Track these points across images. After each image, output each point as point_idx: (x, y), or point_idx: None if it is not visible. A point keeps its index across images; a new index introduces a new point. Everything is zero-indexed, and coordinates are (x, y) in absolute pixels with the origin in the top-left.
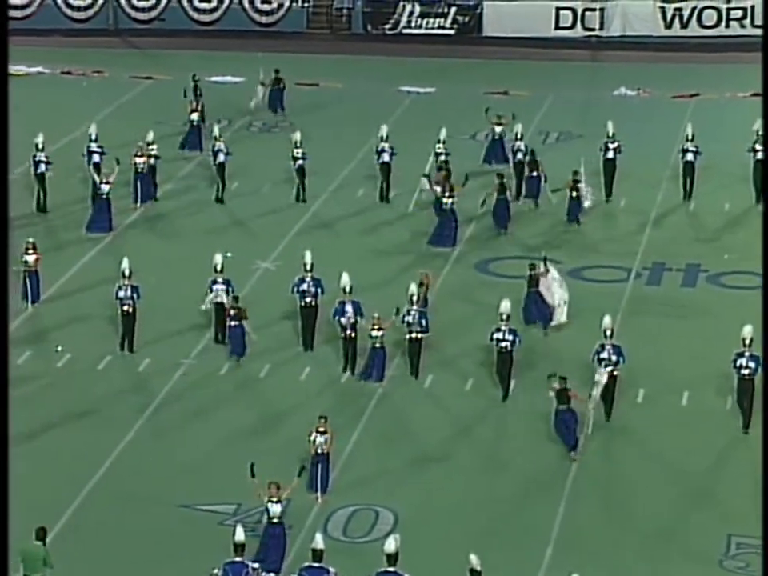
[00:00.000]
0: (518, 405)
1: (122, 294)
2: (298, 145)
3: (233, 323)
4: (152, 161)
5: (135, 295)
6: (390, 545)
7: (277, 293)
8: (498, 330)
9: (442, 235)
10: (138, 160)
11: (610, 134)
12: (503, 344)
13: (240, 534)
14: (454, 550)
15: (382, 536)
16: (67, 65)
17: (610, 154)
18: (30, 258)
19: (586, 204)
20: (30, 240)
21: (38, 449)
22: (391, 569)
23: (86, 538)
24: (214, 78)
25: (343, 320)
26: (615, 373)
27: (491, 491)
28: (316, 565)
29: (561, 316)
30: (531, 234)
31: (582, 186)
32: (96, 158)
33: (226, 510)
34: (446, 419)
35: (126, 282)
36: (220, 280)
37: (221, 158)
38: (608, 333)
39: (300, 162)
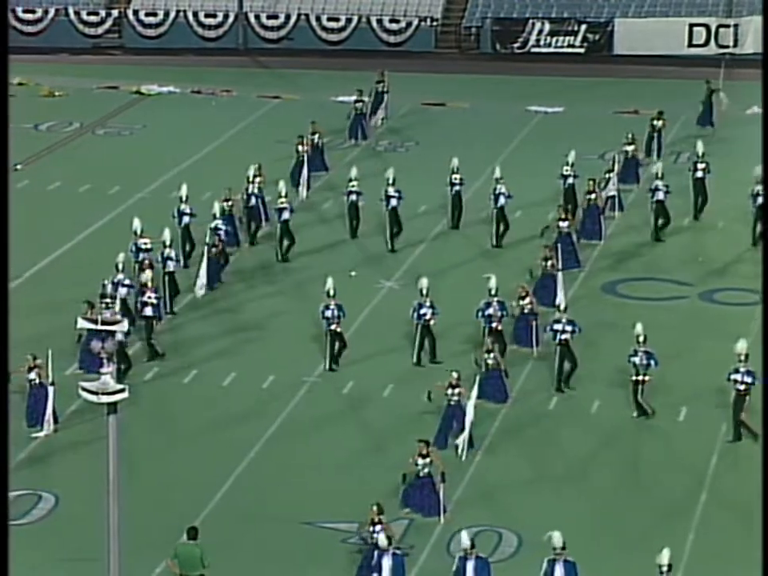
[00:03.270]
0: (643, 426)
1: (328, 313)
2: (455, 170)
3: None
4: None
5: (341, 314)
6: (558, 539)
7: (398, 313)
8: (737, 371)
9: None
10: (300, 149)
11: (700, 154)
12: (741, 386)
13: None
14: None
15: (505, 557)
16: (197, 84)
17: (699, 174)
18: (216, 249)
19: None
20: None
21: (165, 463)
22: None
23: (209, 554)
24: (341, 98)
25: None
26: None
27: (618, 515)
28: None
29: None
30: (660, 255)
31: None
32: (186, 219)
33: (348, 528)
34: (573, 440)
35: (332, 302)
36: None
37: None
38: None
39: (457, 187)
